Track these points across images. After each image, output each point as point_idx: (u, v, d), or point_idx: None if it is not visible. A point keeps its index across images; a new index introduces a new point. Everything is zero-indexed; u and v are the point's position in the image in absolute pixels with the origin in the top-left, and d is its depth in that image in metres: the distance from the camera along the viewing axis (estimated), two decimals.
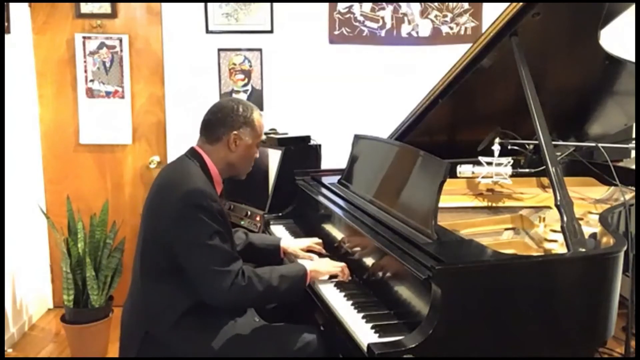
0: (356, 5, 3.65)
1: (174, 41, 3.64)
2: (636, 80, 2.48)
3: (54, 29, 3.61)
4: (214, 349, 1.92)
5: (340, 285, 2.07)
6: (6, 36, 3.25)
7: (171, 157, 3.62)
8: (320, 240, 2.43)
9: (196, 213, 1.87)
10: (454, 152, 2.48)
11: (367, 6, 3.66)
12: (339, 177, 2.73)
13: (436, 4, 3.68)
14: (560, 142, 2.74)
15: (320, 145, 3.23)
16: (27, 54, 3.58)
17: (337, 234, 2.40)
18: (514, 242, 2.08)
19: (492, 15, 2.74)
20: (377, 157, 2.46)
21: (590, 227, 2.13)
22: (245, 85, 3.71)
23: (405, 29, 3.70)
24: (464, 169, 2.57)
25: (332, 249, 2.38)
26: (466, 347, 1.61)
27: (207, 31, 3.64)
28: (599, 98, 2.78)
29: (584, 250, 1.76)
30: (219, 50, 3.66)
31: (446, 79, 2.51)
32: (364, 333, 1.71)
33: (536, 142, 2.22)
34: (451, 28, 3.71)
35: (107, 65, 3.65)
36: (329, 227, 2.49)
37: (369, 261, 2.07)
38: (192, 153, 2.06)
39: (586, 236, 1.89)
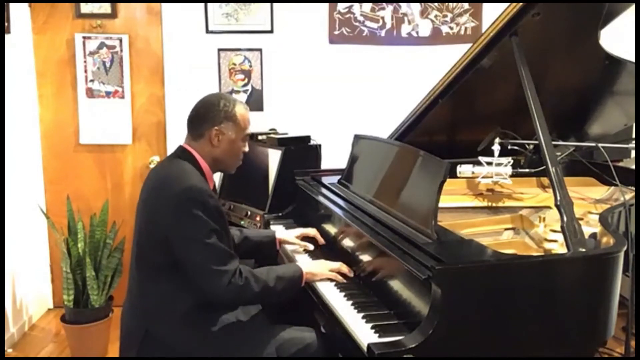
0: (356, 5, 3.65)
1: (174, 41, 3.64)
2: (636, 80, 2.48)
3: (54, 29, 3.61)
4: (215, 348, 1.92)
5: (340, 285, 2.07)
6: (6, 36, 3.26)
7: None
8: (315, 230, 2.44)
9: (193, 209, 1.87)
10: (454, 152, 2.48)
11: (367, 6, 3.66)
12: (339, 177, 2.73)
13: (436, 4, 3.68)
14: (560, 142, 2.73)
15: (320, 145, 3.23)
16: (27, 54, 3.58)
17: (337, 234, 2.40)
18: (514, 242, 2.08)
19: (492, 15, 2.74)
20: (377, 157, 2.45)
21: (590, 227, 2.13)
22: (245, 85, 3.71)
23: (405, 29, 3.70)
24: (464, 169, 2.57)
25: (332, 249, 2.38)
26: (466, 347, 1.61)
27: (207, 31, 3.64)
28: (599, 98, 2.78)
29: (584, 250, 1.76)
30: (219, 50, 3.66)
31: (446, 79, 2.51)
32: (364, 333, 1.71)
33: (536, 142, 2.22)
34: (451, 28, 3.71)
35: (107, 65, 3.65)
36: (329, 227, 2.49)
37: (369, 261, 2.07)
38: (182, 151, 2.07)
39: (586, 236, 1.89)
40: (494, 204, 2.58)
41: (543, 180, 2.80)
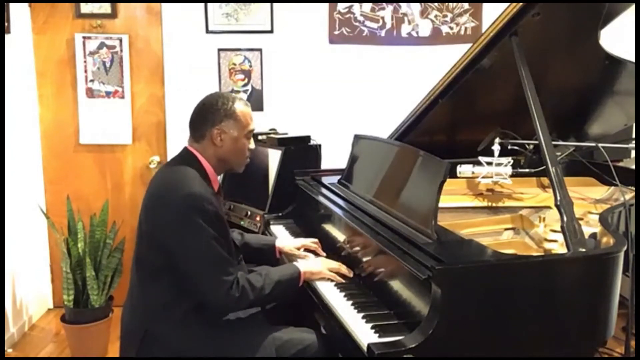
0: (356, 5, 3.65)
1: (174, 41, 3.64)
2: (636, 80, 2.48)
3: (54, 29, 3.61)
4: (215, 348, 1.92)
5: (340, 285, 2.07)
6: (6, 36, 3.26)
7: (171, 157, 3.61)
8: (316, 240, 2.43)
9: (192, 217, 1.87)
10: (454, 152, 2.48)
11: (367, 6, 3.66)
12: (339, 177, 2.73)
13: (436, 4, 3.68)
14: (560, 142, 2.73)
15: (320, 145, 3.23)
16: (27, 54, 3.58)
17: (337, 234, 2.40)
18: (514, 242, 2.08)
19: (492, 15, 2.75)
20: (377, 157, 2.45)
21: (590, 227, 2.13)
22: (245, 85, 3.71)
23: (405, 29, 3.70)
24: (464, 169, 2.57)
25: (332, 249, 2.38)
26: (466, 347, 1.61)
27: (207, 31, 3.64)
28: (598, 98, 2.78)
29: (584, 250, 1.76)
30: (219, 50, 3.66)
31: (446, 79, 2.51)
32: (364, 333, 1.71)
33: (536, 142, 2.22)
34: (451, 28, 3.71)
35: (107, 65, 3.65)
36: (329, 227, 2.49)
37: (369, 261, 2.07)
38: (186, 153, 2.06)
39: (586, 236, 1.89)
40: (494, 204, 2.58)
41: (543, 180, 2.80)
